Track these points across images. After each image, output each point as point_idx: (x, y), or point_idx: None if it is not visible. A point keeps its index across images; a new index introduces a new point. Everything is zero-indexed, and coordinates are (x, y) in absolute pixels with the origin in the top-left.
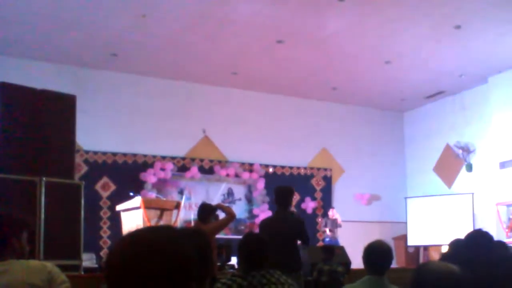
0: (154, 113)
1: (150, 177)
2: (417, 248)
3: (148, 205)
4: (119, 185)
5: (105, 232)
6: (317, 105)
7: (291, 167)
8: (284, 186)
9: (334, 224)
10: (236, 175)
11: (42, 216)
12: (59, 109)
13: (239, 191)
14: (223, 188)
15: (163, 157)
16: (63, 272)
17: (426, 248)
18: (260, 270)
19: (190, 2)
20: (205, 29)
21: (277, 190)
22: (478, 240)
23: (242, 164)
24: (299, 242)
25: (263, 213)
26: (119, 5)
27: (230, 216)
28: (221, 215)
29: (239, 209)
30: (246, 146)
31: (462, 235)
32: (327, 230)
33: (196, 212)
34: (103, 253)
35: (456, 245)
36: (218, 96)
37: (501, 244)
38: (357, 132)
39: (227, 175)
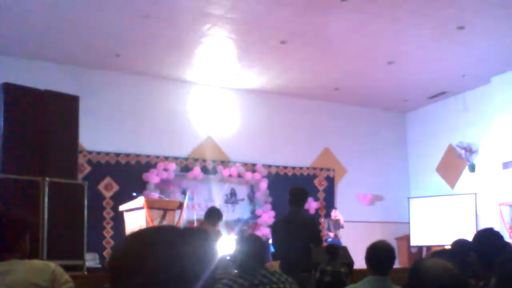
0: (157, 114)
1: (153, 177)
2: (420, 248)
3: (151, 205)
4: (122, 186)
5: (108, 232)
6: (319, 105)
7: (293, 167)
8: (298, 187)
9: (337, 225)
10: (239, 176)
11: (45, 216)
12: (62, 110)
13: (242, 191)
14: (225, 188)
15: (166, 158)
16: (66, 272)
17: (429, 248)
18: (261, 270)
19: (192, 2)
20: (207, 30)
21: (291, 191)
22: (492, 240)
23: (245, 164)
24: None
25: (266, 213)
26: (122, 5)
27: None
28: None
29: (242, 210)
30: (248, 147)
31: (465, 236)
32: (331, 234)
33: (198, 212)
34: (106, 253)
35: (460, 244)
36: (220, 96)
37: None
38: (360, 132)
39: (230, 175)
